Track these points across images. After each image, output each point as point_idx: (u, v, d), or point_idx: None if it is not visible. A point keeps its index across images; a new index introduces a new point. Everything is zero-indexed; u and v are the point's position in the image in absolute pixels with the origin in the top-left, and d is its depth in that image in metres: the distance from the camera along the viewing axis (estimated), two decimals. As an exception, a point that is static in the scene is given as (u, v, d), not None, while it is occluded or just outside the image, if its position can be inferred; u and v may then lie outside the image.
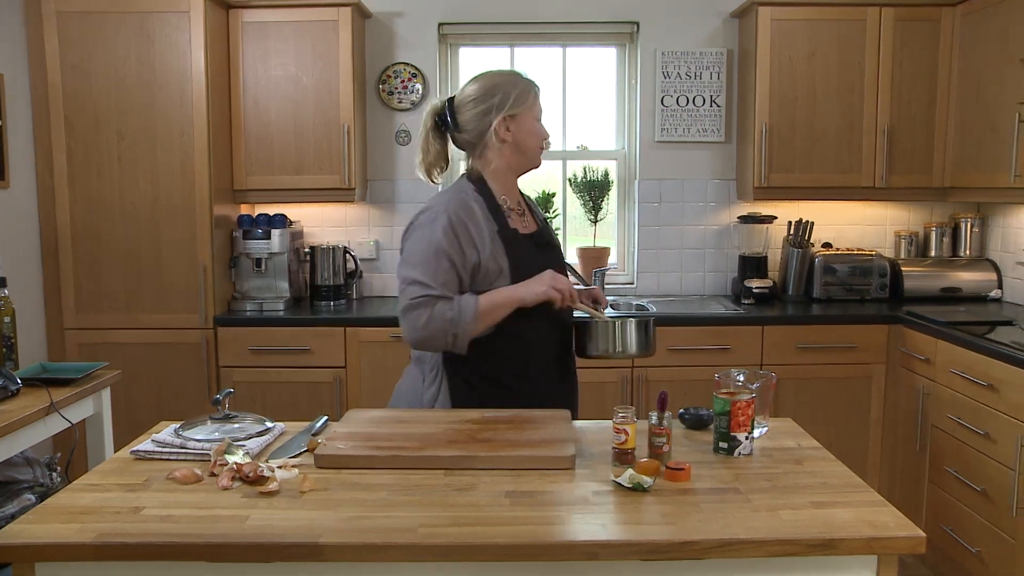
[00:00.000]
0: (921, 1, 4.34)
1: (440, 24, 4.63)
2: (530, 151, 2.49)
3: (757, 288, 4.43)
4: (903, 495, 4.06)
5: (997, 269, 4.52)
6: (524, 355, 2.46)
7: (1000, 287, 4.49)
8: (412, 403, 2.51)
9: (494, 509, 1.82)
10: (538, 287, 2.36)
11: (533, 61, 4.75)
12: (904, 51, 4.31)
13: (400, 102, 4.62)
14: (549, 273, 2.40)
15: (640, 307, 4.43)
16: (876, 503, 1.84)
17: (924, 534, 1.70)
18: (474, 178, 2.48)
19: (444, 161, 2.53)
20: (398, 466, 2.06)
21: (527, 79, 2.51)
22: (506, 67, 2.36)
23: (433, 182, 2.57)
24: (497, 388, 2.44)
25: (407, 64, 4.61)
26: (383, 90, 4.61)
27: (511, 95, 2.43)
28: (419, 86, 4.60)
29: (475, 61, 4.77)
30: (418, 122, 4.57)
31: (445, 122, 2.49)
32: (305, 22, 4.20)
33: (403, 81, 4.60)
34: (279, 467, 2.01)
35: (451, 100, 2.49)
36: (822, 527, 1.72)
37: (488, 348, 2.41)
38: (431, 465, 2.06)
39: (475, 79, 2.48)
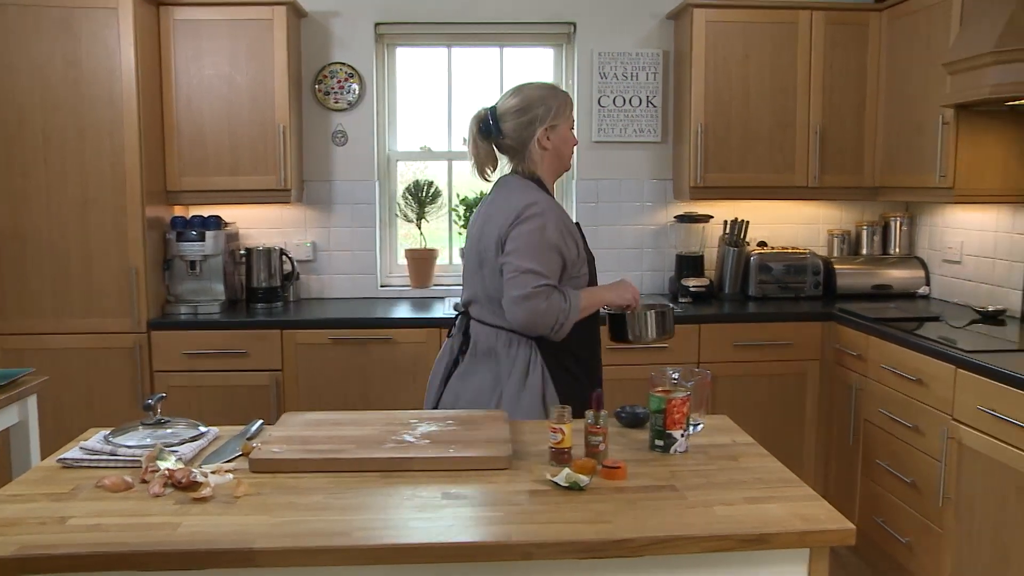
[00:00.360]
0: (849, 5, 4.44)
1: (377, 24, 4.60)
2: (566, 157, 2.75)
3: (694, 287, 4.48)
4: (837, 489, 4.14)
5: (925, 267, 4.63)
6: (595, 342, 2.77)
7: (928, 284, 4.60)
8: (493, 397, 2.67)
9: (430, 511, 1.81)
10: (625, 294, 2.72)
11: (471, 61, 4.75)
12: (834, 54, 4.39)
13: (337, 102, 4.58)
14: (627, 282, 2.78)
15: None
16: (808, 497, 1.87)
17: (854, 526, 1.73)
18: (535, 179, 2.70)
19: (494, 161, 2.75)
20: (334, 469, 2.04)
21: (564, 92, 2.73)
22: (540, 80, 2.78)
23: (487, 180, 2.77)
24: (584, 371, 2.71)
25: (343, 64, 4.57)
26: (319, 90, 4.57)
27: (552, 108, 2.66)
28: (356, 86, 4.57)
29: (412, 61, 4.75)
30: (355, 122, 4.60)
31: (489, 128, 2.68)
32: (239, 21, 4.14)
33: (339, 81, 4.56)
34: (212, 472, 1.98)
35: (493, 109, 2.69)
36: (755, 522, 1.74)
37: (581, 336, 2.67)
38: (367, 467, 2.05)
39: (516, 91, 2.69)
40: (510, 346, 2.66)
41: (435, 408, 2.78)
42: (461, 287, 2.92)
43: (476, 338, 2.73)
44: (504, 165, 2.78)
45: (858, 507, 3.95)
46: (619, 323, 2.73)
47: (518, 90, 2.69)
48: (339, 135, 4.62)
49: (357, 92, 4.58)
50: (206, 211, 4.35)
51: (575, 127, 2.78)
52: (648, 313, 2.71)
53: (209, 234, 4.18)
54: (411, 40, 4.71)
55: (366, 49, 4.59)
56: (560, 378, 2.65)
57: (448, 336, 2.92)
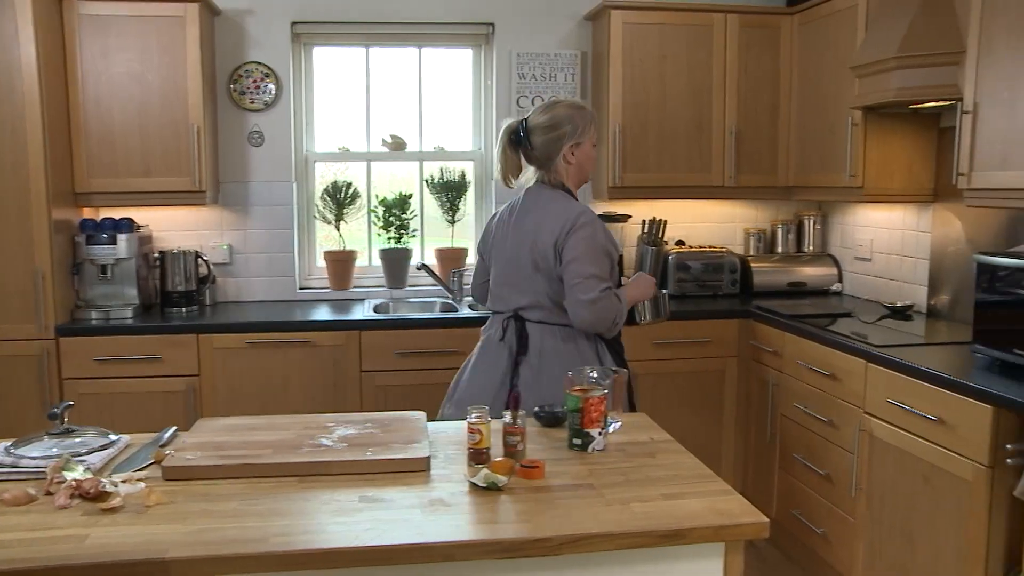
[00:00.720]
0: (762, 9, 4.53)
1: (293, 23, 4.53)
2: (587, 171, 2.98)
3: (613, 286, 4.52)
4: (756, 483, 4.21)
5: (838, 264, 4.75)
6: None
7: (840, 281, 4.71)
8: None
9: (348, 514, 1.80)
10: (648, 290, 3.03)
11: (389, 61, 4.71)
12: (748, 56, 4.48)
13: (252, 102, 4.51)
14: (644, 276, 3.07)
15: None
16: (723, 492, 1.90)
17: (767, 519, 1.76)
18: (564, 188, 2.92)
19: (517, 169, 2.97)
20: (249, 475, 2.01)
21: (590, 112, 2.95)
22: (570, 98, 3.09)
23: (509, 186, 3.00)
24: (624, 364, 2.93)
25: (259, 63, 4.50)
26: (234, 90, 4.49)
27: (579, 127, 2.88)
28: (272, 86, 4.50)
29: (330, 61, 4.69)
30: (271, 123, 4.53)
31: (520, 140, 2.90)
32: (149, 17, 4.04)
33: (255, 81, 4.49)
34: (122, 482, 1.93)
35: (524, 122, 2.90)
36: (672, 518, 1.76)
37: (623, 332, 2.95)
38: (284, 472, 2.02)
39: (547, 108, 2.90)
40: (578, 343, 2.87)
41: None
42: (495, 293, 3.04)
43: (539, 340, 2.89)
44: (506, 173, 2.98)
45: (776, 500, 4.03)
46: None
47: (549, 107, 2.90)
48: (255, 136, 4.55)
49: (273, 92, 4.51)
50: (117, 213, 4.23)
51: (596, 143, 2.99)
52: (647, 301, 3.06)
53: (121, 237, 4.07)
54: (328, 40, 4.65)
55: (282, 48, 4.52)
56: (620, 361, 2.94)
57: (488, 338, 3.03)
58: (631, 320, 3.02)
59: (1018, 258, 2.95)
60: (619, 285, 2.96)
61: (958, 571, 2.83)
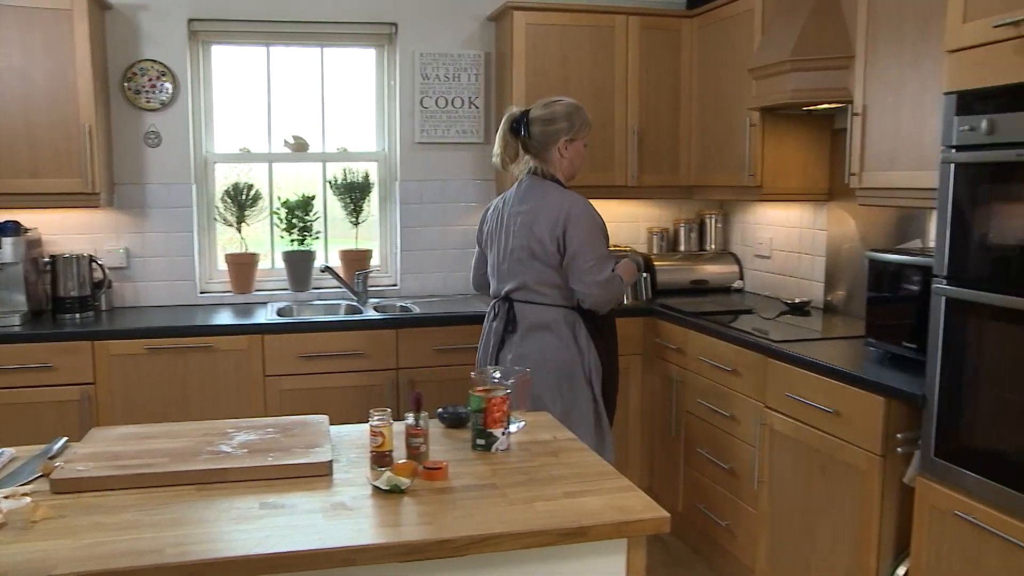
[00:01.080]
0: (663, 11, 4.60)
1: (190, 20, 4.42)
2: (576, 167, 3.29)
3: (519, 286, 4.53)
4: (662, 478, 4.27)
5: (739, 262, 4.85)
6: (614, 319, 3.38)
7: (742, 278, 4.82)
8: (567, 355, 3.20)
9: (247, 522, 1.76)
10: (634, 276, 3.38)
11: (290, 61, 4.63)
12: (650, 57, 4.53)
13: (148, 101, 4.38)
14: (629, 259, 3.39)
15: (404, 308, 4.42)
16: (625, 489, 1.91)
17: (668, 514, 1.78)
18: (555, 179, 3.23)
19: (515, 156, 3.28)
20: (145, 484, 1.95)
21: (585, 114, 3.25)
22: (568, 98, 3.31)
23: (505, 170, 3.34)
24: (611, 334, 3.32)
25: (154, 61, 4.37)
26: (129, 89, 4.35)
27: (574, 125, 3.20)
28: (169, 85, 4.38)
29: (230, 60, 4.59)
30: (169, 123, 4.41)
31: (519, 128, 3.20)
32: (32, 9, 3.85)
33: (150, 79, 4.36)
34: (6, 497, 1.84)
35: (526, 113, 3.21)
36: (574, 516, 1.77)
37: (612, 315, 3.31)
38: (181, 481, 1.97)
39: (549, 104, 3.23)
40: (561, 318, 3.20)
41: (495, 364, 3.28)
42: (494, 279, 3.38)
43: (525, 317, 3.23)
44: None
45: (681, 495, 4.10)
46: None
47: (550, 104, 3.23)
48: (152, 136, 4.42)
49: (171, 91, 4.39)
50: (2, 216, 4.06)
51: (587, 143, 3.30)
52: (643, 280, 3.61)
53: (6, 240, 3.90)
54: (227, 38, 4.55)
55: (178, 46, 4.40)
56: (596, 339, 3.24)
57: (486, 322, 3.41)
58: None
59: (906, 255, 3.05)
60: None
61: (854, 557, 2.91)
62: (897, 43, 3.12)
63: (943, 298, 2.50)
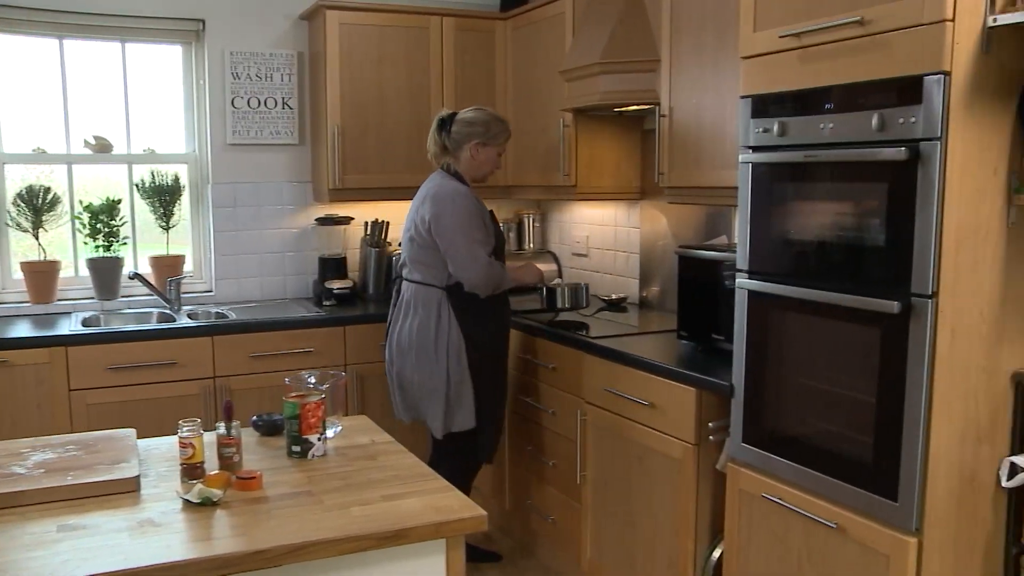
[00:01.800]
0: (477, 13, 4.63)
1: (-27, 11, 4.11)
2: (482, 172, 3.62)
3: (338, 289, 4.46)
4: (491, 478, 4.29)
5: (557, 260, 4.93)
6: (506, 303, 3.68)
7: (561, 276, 4.90)
8: (428, 332, 3.48)
9: (44, 547, 1.66)
10: (532, 277, 3.77)
11: (88, 56, 4.37)
12: (465, 58, 4.56)
13: (-72, 99, 4.05)
14: (533, 264, 3.89)
15: (220, 314, 4.28)
16: (443, 489, 1.91)
17: (485, 512, 1.79)
18: (454, 173, 3.57)
19: (442, 151, 3.61)
20: (-77, 513, 1.80)
21: (506, 127, 3.63)
22: (495, 111, 3.75)
23: (436, 164, 3.66)
24: (485, 309, 3.52)
25: (-66, 56, 4.05)
26: (-95, 85, 4.01)
27: (491, 132, 3.56)
28: (-49, 81, 4.06)
29: (16, 53, 4.27)
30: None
31: (443, 125, 3.57)
32: None
33: (-70, 75, 4.04)
34: None
35: (454, 114, 3.59)
36: (392, 519, 1.75)
37: (496, 299, 3.56)
38: (-35, 508, 1.82)
39: (476, 109, 3.61)
40: (429, 296, 3.49)
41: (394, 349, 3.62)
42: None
43: (405, 295, 3.60)
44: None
45: (509, 492, 4.14)
46: (551, 296, 3.81)
47: (478, 110, 3.61)
48: (-67, 137, 4.08)
49: (-47, 88, 4.07)
50: None
51: (502, 154, 3.65)
52: (567, 289, 3.80)
53: None
54: (13, 27, 4.20)
55: (-39, 40, 4.09)
56: (463, 320, 3.46)
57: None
58: (551, 305, 3.80)
59: (712, 251, 3.19)
60: (500, 258, 3.55)
61: (674, 544, 3.02)
62: (698, 49, 3.26)
63: (746, 292, 2.63)
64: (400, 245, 3.75)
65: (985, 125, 2.08)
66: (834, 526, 2.34)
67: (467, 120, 3.55)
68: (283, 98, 4.56)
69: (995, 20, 2.00)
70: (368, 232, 4.66)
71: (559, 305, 3.80)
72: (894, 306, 2.11)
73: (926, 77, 2.03)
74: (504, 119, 3.65)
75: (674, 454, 2.97)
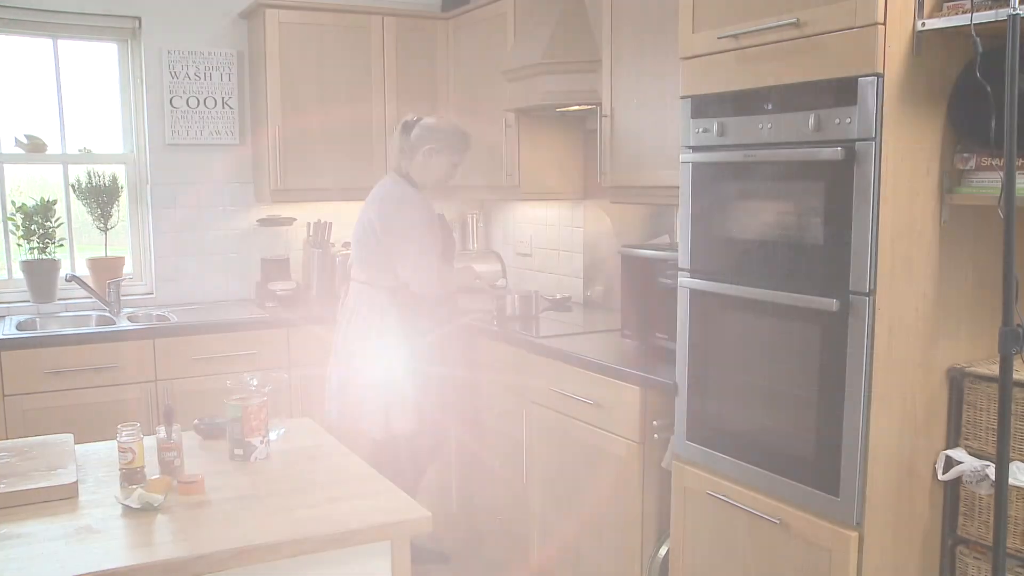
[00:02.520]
0: (418, 13, 4.62)
1: None
2: (435, 179, 3.63)
3: (281, 290, 4.42)
4: (437, 479, 4.28)
5: (501, 260, 4.94)
6: (452, 305, 3.77)
7: (505, 276, 4.91)
8: (368, 330, 3.54)
9: (-26, 558, 1.61)
10: (468, 278, 3.82)
11: (17, 53, 4.25)
12: (407, 58, 4.54)
13: None
14: (470, 267, 3.95)
15: (161, 317, 4.21)
16: (387, 491, 1.91)
17: (430, 513, 1.79)
18: (405, 176, 3.59)
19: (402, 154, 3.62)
20: None
21: (465, 141, 3.66)
22: (455, 120, 3.93)
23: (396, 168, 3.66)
24: (442, 326, 3.59)
25: None
26: None
27: (448, 143, 3.58)
28: None
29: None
30: None
31: (406, 127, 3.59)
32: None
33: None
34: None
35: (420, 119, 3.61)
36: (337, 521, 1.75)
37: (442, 301, 3.64)
38: None
39: (440, 119, 3.73)
40: (374, 297, 3.51)
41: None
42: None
43: (353, 293, 3.62)
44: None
45: (456, 494, 4.14)
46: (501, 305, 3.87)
47: (442, 119, 3.74)
48: None
49: None
50: None
51: (456, 168, 3.66)
52: (517, 296, 3.88)
53: None
54: (-66, 22, 4.10)
55: None
56: (408, 318, 3.50)
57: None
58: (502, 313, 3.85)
59: (654, 250, 3.22)
60: (449, 262, 3.68)
61: (621, 541, 3.04)
62: (639, 49, 3.29)
63: (688, 290, 2.66)
64: (345, 246, 3.76)
65: (917, 126, 2.13)
66: (777, 522, 2.38)
67: (427, 125, 3.58)
68: (223, 98, 4.51)
69: (923, 24, 2.05)
70: (311, 233, 4.62)
71: (509, 311, 3.86)
72: (833, 304, 2.16)
73: (860, 78, 2.08)
74: (467, 133, 3.67)
75: (619, 453, 2.99)
